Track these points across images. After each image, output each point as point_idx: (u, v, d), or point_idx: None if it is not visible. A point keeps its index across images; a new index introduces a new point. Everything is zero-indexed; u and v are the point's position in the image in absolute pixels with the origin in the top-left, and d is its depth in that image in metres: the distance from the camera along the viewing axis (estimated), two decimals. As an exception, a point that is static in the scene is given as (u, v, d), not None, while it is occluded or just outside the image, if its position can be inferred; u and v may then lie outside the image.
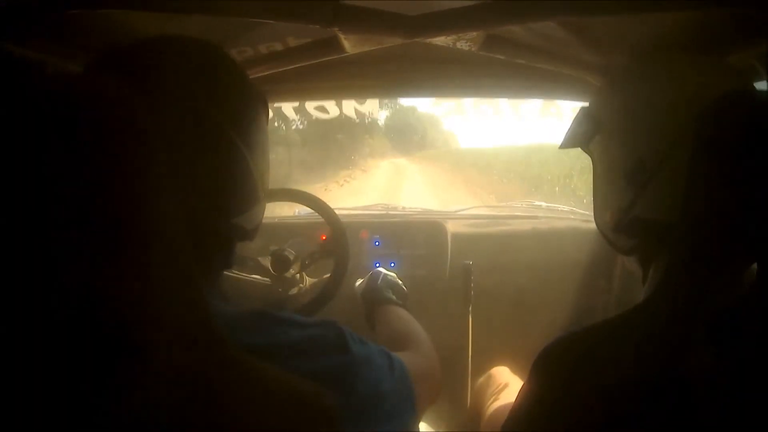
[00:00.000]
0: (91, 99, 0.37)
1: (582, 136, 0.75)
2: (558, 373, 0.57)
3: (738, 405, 0.49)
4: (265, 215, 0.71)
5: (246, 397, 0.44)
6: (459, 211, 1.83)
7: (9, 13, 0.62)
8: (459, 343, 1.25)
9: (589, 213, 0.85)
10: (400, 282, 1.19)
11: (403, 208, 1.82)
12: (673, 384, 0.50)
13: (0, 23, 0.63)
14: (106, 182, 0.35)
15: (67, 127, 0.35)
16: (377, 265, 1.44)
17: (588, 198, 0.78)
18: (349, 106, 1.63)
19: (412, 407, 0.68)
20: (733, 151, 0.49)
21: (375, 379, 0.62)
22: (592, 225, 0.77)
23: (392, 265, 1.47)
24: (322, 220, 1.21)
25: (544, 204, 1.89)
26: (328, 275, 1.17)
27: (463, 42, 0.83)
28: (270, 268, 1.20)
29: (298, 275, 1.21)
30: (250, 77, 0.83)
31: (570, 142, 0.78)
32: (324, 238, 1.23)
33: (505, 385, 1.13)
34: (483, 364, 1.26)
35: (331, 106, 1.55)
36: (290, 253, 1.20)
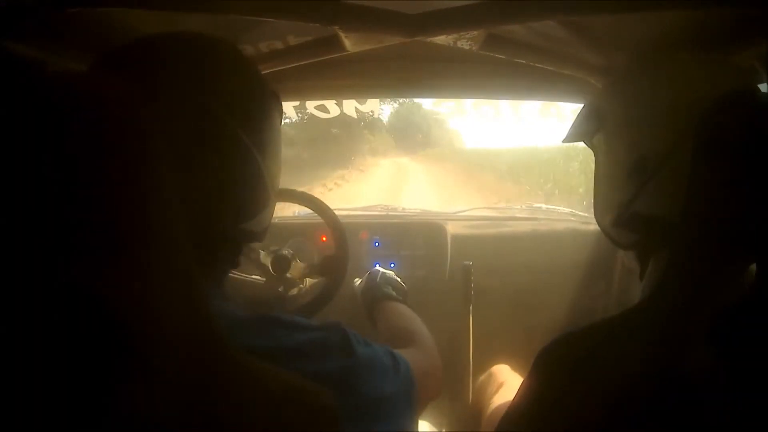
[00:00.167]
0: (92, 98, 0.36)
1: (585, 131, 0.76)
2: (558, 372, 0.57)
3: (738, 405, 0.48)
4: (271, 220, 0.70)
5: (246, 397, 0.44)
6: (459, 212, 1.84)
7: (9, 12, 0.62)
8: (460, 342, 1.25)
9: (589, 215, 0.85)
10: (398, 279, 1.19)
11: (403, 209, 1.82)
12: (673, 383, 0.50)
13: (0, 22, 0.63)
14: (107, 182, 0.35)
15: (67, 126, 0.34)
16: (377, 265, 1.44)
17: (588, 200, 0.78)
18: (350, 106, 1.63)
19: (413, 406, 0.68)
20: (734, 150, 0.49)
21: (379, 381, 0.62)
22: (592, 227, 0.78)
23: (392, 265, 1.47)
24: (322, 220, 1.21)
25: (543, 206, 1.89)
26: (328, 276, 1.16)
27: (464, 41, 0.83)
28: (270, 268, 1.19)
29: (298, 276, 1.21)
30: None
31: (573, 137, 0.79)
32: (324, 238, 1.23)
33: (506, 383, 1.13)
34: (484, 363, 1.26)
35: (331, 105, 1.55)
36: (290, 254, 1.20)
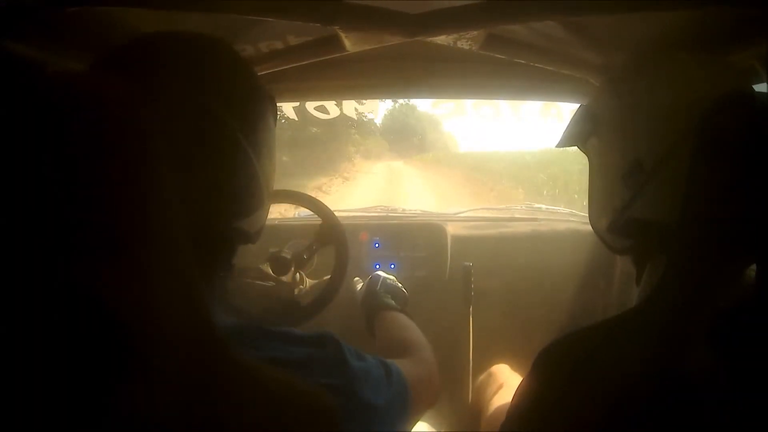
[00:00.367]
0: (92, 98, 0.36)
1: (579, 135, 0.75)
2: (557, 372, 0.57)
3: (738, 405, 0.48)
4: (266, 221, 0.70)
5: (246, 398, 0.44)
6: (459, 213, 1.84)
7: (9, 12, 0.62)
8: (460, 342, 1.25)
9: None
10: (400, 285, 1.19)
11: (403, 210, 1.83)
12: (673, 384, 0.50)
13: (0, 22, 0.63)
14: (107, 182, 0.35)
15: (67, 126, 0.34)
16: (377, 266, 1.44)
17: (586, 201, 0.78)
18: (350, 107, 1.63)
19: (406, 417, 0.68)
20: (734, 151, 0.49)
21: (372, 392, 0.62)
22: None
23: (392, 266, 1.47)
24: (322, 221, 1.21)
25: (543, 206, 1.89)
26: (328, 277, 1.16)
27: (464, 41, 0.83)
28: (270, 271, 1.19)
29: (297, 276, 1.21)
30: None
31: (567, 141, 0.78)
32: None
33: (506, 384, 1.13)
34: (483, 363, 1.26)
35: (331, 106, 1.55)
36: (289, 255, 1.20)
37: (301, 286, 1.21)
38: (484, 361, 1.26)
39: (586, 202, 0.78)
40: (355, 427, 0.58)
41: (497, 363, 1.26)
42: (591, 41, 0.92)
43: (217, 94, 0.57)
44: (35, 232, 0.33)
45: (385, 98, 1.58)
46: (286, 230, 1.38)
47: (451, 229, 1.56)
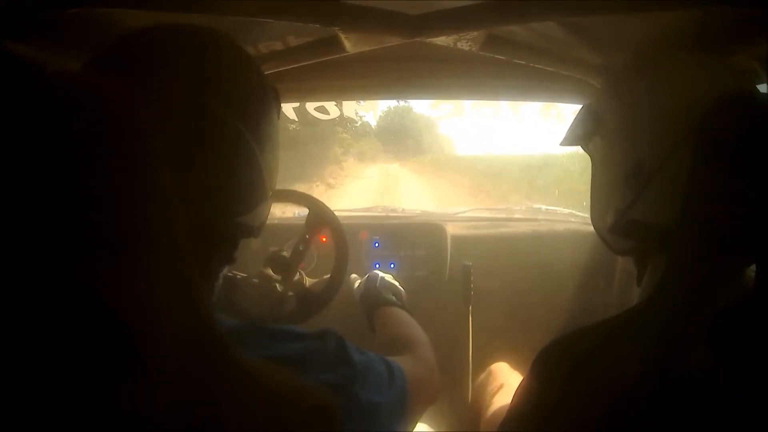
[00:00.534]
0: (91, 97, 0.36)
1: (582, 135, 0.75)
2: (557, 372, 0.57)
3: (738, 405, 0.48)
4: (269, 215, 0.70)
5: (247, 397, 0.44)
6: (459, 213, 1.84)
7: (9, 12, 0.62)
8: (459, 342, 1.25)
9: (588, 216, 0.85)
10: (397, 283, 1.19)
11: (403, 209, 1.82)
12: (673, 384, 0.50)
13: (0, 22, 0.63)
14: (107, 182, 0.35)
15: (67, 126, 0.34)
16: (377, 266, 1.44)
17: (586, 200, 0.78)
18: (350, 108, 1.63)
19: (407, 414, 0.68)
20: (734, 151, 0.49)
21: (374, 390, 0.62)
22: (592, 227, 0.77)
23: (392, 266, 1.47)
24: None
25: (543, 207, 1.89)
26: (328, 276, 1.16)
27: (464, 42, 0.83)
28: (270, 271, 1.19)
29: (298, 275, 1.21)
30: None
31: (570, 140, 0.78)
32: (324, 239, 1.23)
33: (506, 383, 1.13)
34: (483, 363, 1.26)
35: (331, 106, 1.55)
36: (288, 254, 1.20)
37: (301, 286, 1.21)
38: (483, 361, 1.26)
39: (586, 203, 0.78)
40: (356, 424, 0.58)
41: (497, 362, 1.26)
42: (591, 42, 0.92)
43: (219, 89, 0.57)
44: (35, 232, 0.33)
45: (386, 99, 1.58)
46: (286, 230, 1.38)
47: (451, 229, 1.56)
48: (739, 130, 0.49)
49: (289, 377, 0.50)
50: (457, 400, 1.23)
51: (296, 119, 1.64)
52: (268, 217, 0.70)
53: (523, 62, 0.96)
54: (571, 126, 0.78)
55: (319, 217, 1.18)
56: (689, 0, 0.72)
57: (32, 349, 0.33)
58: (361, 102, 1.65)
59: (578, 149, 0.80)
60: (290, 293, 1.17)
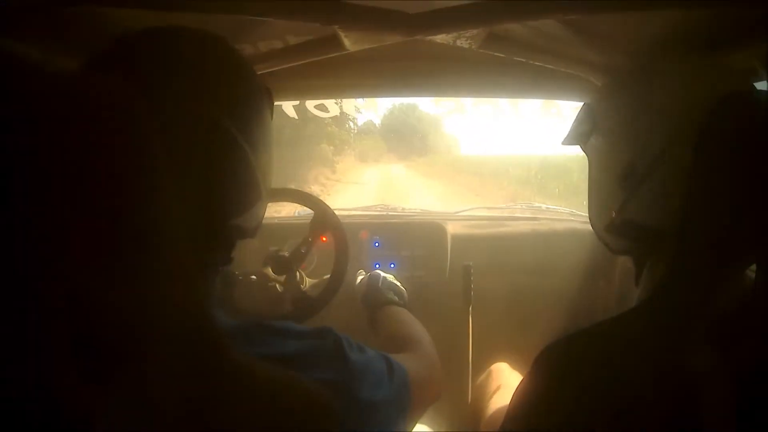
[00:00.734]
0: (88, 97, 0.36)
1: (580, 134, 0.75)
2: (557, 373, 0.57)
3: (738, 405, 0.48)
4: (264, 216, 0.70)
5: (245, 396, 0.44)
6: (459, 212, 1.84)
7: (9, 11, 0.62)
8: (459, 342, 1.25)
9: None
10: (399, 283, 1.19)
11: (403, 209, 1.82)
12: (674, 384, 0.50)
13: (0, 21, 0.63)
14: (105, 182, 0.35)
15: (67, 126, 0.34)
16: (377, 266, 1.44)
17: (586, 200, 0.78)
18: (350, 107, 1.63)
19: (408, 412, 0.68)
20: (734, 152, 0.49)
21: (373, 387, 0.62)
22: None
23: (392, 266, 1.47)
24: None
25: (543, 206, 1.89)
26: (328, 276, 1.16)
27: (464, 40, 0.83)
28: (270, 270, 1.19)
29: (298, 275, 1.21)
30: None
31: (570, 139, 0.78)
32: (324, 239, 1.23)
33: (506, 383, 1.13)
34: (483, 363, 1.26)
35: (331, 104, 1.55)
36: (288, 254, 1.20)
37: (302, 286, 1.21)
38: (483, 361, 1.26)
39: (586, 202, 0.78)
40: (356, 422, 0.58)
41: (497, 362, 1.26)
42: (591, 40, 0.92)
43: (211, 93, 0.57)
44: (34, 233, 0.33)
45: (385, 97, 1.58)
46: (286, 229, 1.38)
47: (451, 228, 1.56)
48: (739, 130, 0.49)
49: (288, 375, 0.50)
50: (456, 400, 1.23)
51: (296, 117, 1.64)
52: (267, 216, 0.70)
53: (522, 60, 0.96)
54: (571, 126, 0.79)
55: (324, 221, 1.19)
56: (690, 0, 0.72)
57: (31, 350, 0.33)
58: (360, 100, 1.64)
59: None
60: (290, 293, 1.17)
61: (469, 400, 1.22)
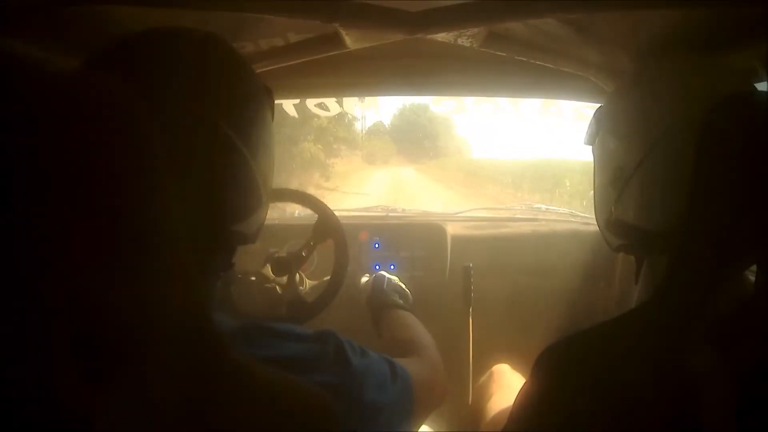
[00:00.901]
0: (88, 98, 0.36)
1: (590, 135, 0.77)
2: (559, 374, 0.57)
3: (738, 405, 0.48)
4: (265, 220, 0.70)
5: (246, 398, 0.43)
6: (459, 213, 1.84)
7: (9, 10, 0.62)
8: (460, 343, 1.25)
9: (589, 216, 0.86)
10: (403, 286, 1.19)
11: (403, 210, 1.82)
12: (674, 384, 0.50)
13: (0, 19, 0.63)
14: (105, 183, 0.35)
15: (67, 126, 0.34)
16: (377, 267, 1.44)
17: (587, 200, 0.79)
18: (351, 105, 1.63)
19: (411, 415, 0.68)
20: (735, 153, 0.49)
21: (374, 391, 0.62)
22: (592, 228, 0.79)
23: (392, 267, 1.47)
24: None
25: (543, 207, 1.89)
26: (328, 277, 1.16)
27: (465, 38, 0.83)
28: (270, 272, 1.19)
29: (297, 277, 1.21)
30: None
31: (585, 140, 0.81)
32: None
33: (507, 384, 1.13)
34: (484, 364, 1.26)
35: (331, 103, 1.55)
36: (288, 255, 1.20)
37: (301, 287, 1.21)
38: (484, 362, 1.26)
39: (586, 202, 0.79)
40: (357, 425, 0.58)
41: (498, 363, 1.26)
42: (591, 39, 0.92)
43: (209, 97, 0.56)
44: (33, 233, 0.33)
45: (387, 95, 1.58)
46: (286, 230, 1.38)
47: (451, 229, 1.56)
48: (739, 131, 0.50)
49: (288, 378, 0.50)
50: (457, 402, 1.23)
51: (296, 116, 1.63)
52: (268, 218, 0.70)
53: (523, 59, 0.96)
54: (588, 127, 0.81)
55: (327, 226, 1.18)
56: (690, 0, 0.72)
57: (30, 350, 0.33)
58: (360, 100, 1.64)
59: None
60: (287, 296, 1.17)
61: (470, 402, 1.22)
